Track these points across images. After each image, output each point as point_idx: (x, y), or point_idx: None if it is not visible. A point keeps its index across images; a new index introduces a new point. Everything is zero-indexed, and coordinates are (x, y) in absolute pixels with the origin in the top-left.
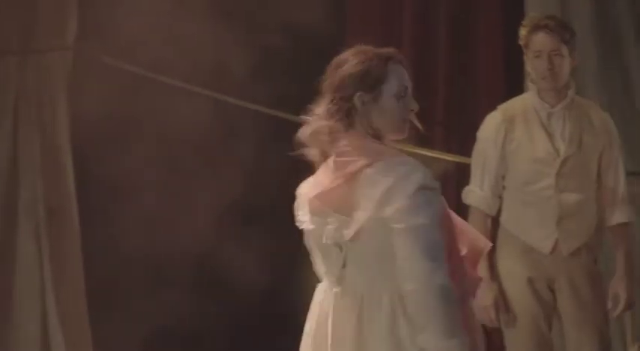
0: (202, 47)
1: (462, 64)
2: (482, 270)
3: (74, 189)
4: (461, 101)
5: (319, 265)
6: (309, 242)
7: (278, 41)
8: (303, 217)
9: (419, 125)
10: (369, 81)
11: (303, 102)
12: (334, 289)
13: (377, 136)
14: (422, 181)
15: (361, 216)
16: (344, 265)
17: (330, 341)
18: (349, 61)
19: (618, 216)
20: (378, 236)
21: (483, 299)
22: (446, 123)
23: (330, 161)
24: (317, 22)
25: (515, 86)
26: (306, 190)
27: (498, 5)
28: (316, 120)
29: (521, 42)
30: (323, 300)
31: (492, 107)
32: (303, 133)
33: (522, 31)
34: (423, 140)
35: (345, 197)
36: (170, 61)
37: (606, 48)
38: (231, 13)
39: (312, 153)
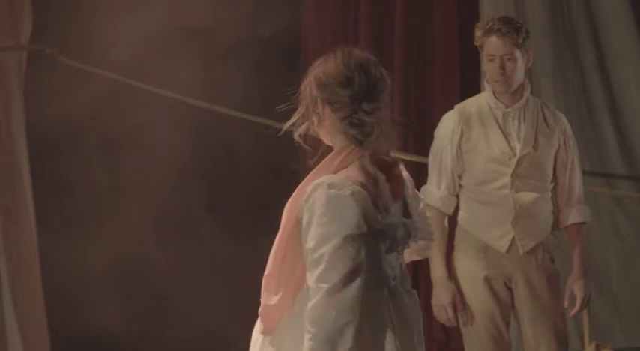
0: (164, 48)
1: (418, 64)
2: (439, 269)
3: (31, 189)
4: (417, 101)
5: None
6: None
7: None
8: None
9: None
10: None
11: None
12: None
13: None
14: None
15: None
16: None
17: None
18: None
19: (575, 216)
20: None
21: (441, 298)
22: (402, 123)
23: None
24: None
25: (470, 85)
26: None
27: (453, 5)
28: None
29: (476, 43)
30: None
31: (448, 106)
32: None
33: (477, 33)
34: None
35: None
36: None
37: (561, 47)
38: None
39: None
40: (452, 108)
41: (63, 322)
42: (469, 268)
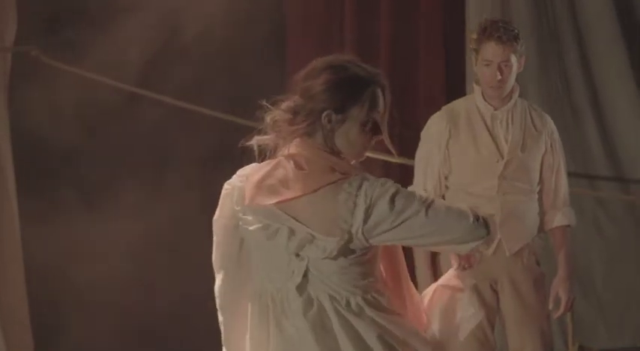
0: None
1: (403, 66)
2: (424, 271)
3: (15, 192)
4: (401, 103)
5: (257, 265)
6: (247, 237)
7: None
8: (245, 212)
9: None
10: (341, 101)
11: (249, 103)
12: (294, 296)
13: (332, 151)
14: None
15: (338, 240)
16: (305, 274)
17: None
18: (328, 72)
19: (560, 218)
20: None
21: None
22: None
23: (282, 160)
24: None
25: (455, 88)
26: (249, 183)
27: (438, 6)
28: (282, 113)
29: (471, 46)
30: (272, 305)
31: (433, 109)
32: (267, 116)
33: (473, 36)
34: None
35: (315, 210)
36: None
37: (546, 48)
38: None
39: (265, 139)
40: (436, 110)
41: (46, 320)
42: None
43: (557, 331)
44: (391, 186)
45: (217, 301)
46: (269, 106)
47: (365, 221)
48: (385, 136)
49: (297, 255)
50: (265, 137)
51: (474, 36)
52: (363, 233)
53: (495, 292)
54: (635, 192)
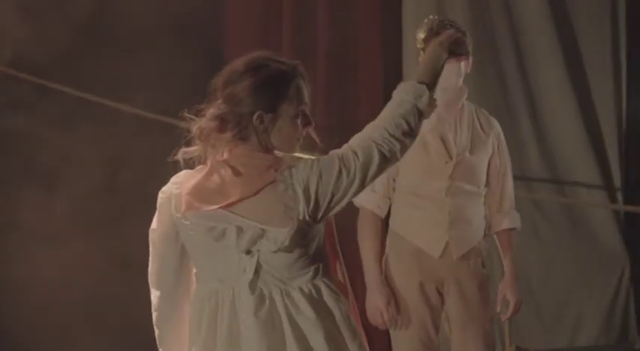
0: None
1: (341, 66)
2: (374, 272)
3: None
4: (340, 103)
5: (204, 269)
6: (189, 244)
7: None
8: (186, 218)
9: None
10: (269, 101)
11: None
12: (246, 294)
13: (267, 150)
14: None
15: (289, 229)
16: (256, 270)
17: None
18: (249, 74)
19: (507, 222)
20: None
21: (377, 301)
22: (328, 125)
23: (216, 166)
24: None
25: (393, 87)
26: (185, 189)
27: (376, 7)
28: (207, 121)
29: (419, 45)
30: (222, 306)
31: (373, 108)
32: (193, 126)
33: (421, 35)
34: (304, 143)
35: (263, 208)
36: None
37: (482, 50)
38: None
39: (193, 150)
40: (377, 110)
41: None
42: (403, 273)
43: (495, 333)
44: (313, 162)
45: (154, 316)
46: (191, 116)
47: (307, 203)
48: (311, 123)
49: (248, 252)
50: (192, 149)
51: (422, 35)
52: (309, 215)
53: (441, 294)
54: (570, 194)
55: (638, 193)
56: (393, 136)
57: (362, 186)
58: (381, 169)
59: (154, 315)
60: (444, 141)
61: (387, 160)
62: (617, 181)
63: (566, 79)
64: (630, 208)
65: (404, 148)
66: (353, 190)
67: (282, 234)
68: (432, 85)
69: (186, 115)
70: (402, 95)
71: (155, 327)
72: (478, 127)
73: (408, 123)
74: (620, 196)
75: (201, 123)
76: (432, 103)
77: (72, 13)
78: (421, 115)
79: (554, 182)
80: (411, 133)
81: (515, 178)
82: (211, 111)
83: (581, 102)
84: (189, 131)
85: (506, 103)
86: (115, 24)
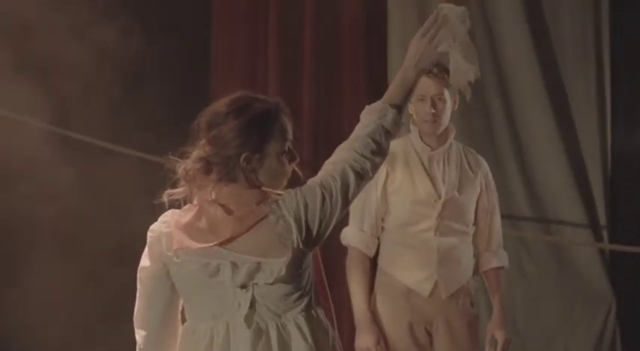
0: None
1: (328, 88)
2: (363, 311)
3: None
4: (327, 129)
5: (198, 306)
6: (181, 282)
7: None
8: (178, 256)
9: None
10: (256, 141)
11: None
12: (242, 329)
13: (255, 187)
14: None
15: (285, 259)
16: (252, 304)
17: None
18: (232, 115)
19: (496, 261)
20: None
21: (366, 341)
22: (315, 138)
23: (206, 206)
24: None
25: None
26: (175, 228)
27: (361, 32)
28: (193, 163)
29: None
30: (217, 341)
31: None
32: (179, 168)
33: None
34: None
35: (256, 243)
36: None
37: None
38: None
39: (178, 192)
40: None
41: None
42: (392, 312)
43: None
44: (296, 192)
45: None
46: (176, 158)
47: (300, 231)
48: (296, 158)
49: (243, 286)
50: (178, 190)
51: None
52: (303, 242)
53: (430, 334)
54: (556, 232)
55: (623, 231)
56: (362, 155)
57: (345, 206)
58: (359, 188)
59: None
60: (432, 180)
61: (362, 178)
62: (603, 219)
63: (551, 116)
64: (616, 247)
65: (375, 166)
66: (338, 211)
67: (278, 264)
68: (401, 105)
69: (171, 157)
70: (367, 117)
71: None
72: (466, 166)
73: (375, 141)
74: (605, 234)
75: (186, 165)
76: (397, 122)
77: None
78: (388, 133)
79: (540, 221)
80: (379, 152)
81: (501, 216)
82: (196, 153)
83: (566, 139)
84: (174, 172)
85: (491, 142)
86: None
